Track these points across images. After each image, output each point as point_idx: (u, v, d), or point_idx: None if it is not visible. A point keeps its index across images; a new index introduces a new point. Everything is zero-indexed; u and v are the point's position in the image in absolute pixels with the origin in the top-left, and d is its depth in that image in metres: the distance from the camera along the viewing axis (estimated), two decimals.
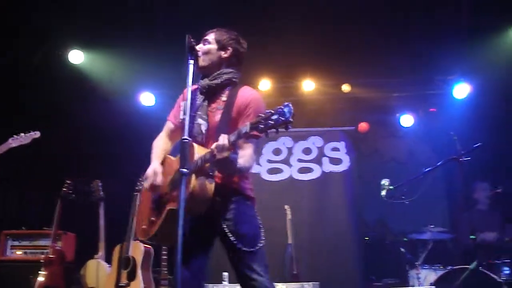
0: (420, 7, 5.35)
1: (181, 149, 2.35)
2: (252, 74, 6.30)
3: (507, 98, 6.16)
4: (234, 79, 2.86)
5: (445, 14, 5.46)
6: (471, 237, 5.08)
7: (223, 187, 2.68)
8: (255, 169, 6.45)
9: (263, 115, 2.28)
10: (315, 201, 6.45)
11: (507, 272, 4.93)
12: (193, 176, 2.48)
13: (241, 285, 2.70)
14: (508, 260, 4.99)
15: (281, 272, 5.54)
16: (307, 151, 6.73)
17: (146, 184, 2.76)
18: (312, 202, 6.43)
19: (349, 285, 6.06)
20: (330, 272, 6.02)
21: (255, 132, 2.34)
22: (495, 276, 4.55)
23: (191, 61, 2.58)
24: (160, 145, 2.89)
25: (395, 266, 5.68)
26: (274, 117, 2.24)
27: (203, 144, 2.68)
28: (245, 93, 2.78)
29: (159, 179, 2.70)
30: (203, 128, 2.74)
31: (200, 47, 2.81)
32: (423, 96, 6.88)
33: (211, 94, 2.82)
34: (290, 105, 2.24)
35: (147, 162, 2.84)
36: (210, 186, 2.57)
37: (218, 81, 2.81)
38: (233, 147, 2.46)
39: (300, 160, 6.68)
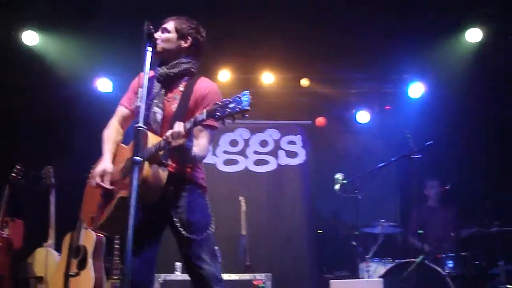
0: (380, 6, 5.43)
1: (135, 137, 2.32)
2: (211, 64, 6.26)
3: (459, 99, 6.35)
4: (192, 69, 2.84)
5: (404, 14, 5.56)
6: (419, 232, 5.26)
7: (176, 176, 2.67)
8: (211, 159, 6.43)
9: (220, 103, 2.28)
10: (270, 193, 6.49)
11: (451, 265, 5.12)
12: (146, 164, 2.45)
13: (189, 273, 2.72)
14: (453, 254, 5.18)
15: (234, 263, 5.56)
16: (263, 143, 6.75)
17: (92, 182, 2.69)
18: (267, 194, 6.48)
19: (301, 277, 6.16)
20: (283, 264, 6.09)
21: (211, 120, 2.34)
22: (439, 269, 4.73)
23: (149, 49, 2.55)
24: (112, 137, 2.82)
25: (347, 259, 5.79)
26: (231, 105, 2.23)
27: (157, 132, 2.66)
28: (203, 84, 2.78)
29: (106, 180, 2.63)
30: (159, 116, 2.71)
31: (159, 35, 2.77)
32: (379, 94, 7.02)
33: (168, 83, 2.79)
34: (248, 93, 2.24)
35: (100, 150, 2.79)
36: (163, 174, 2.55)
37: (176, 70, 2.79)
38: (189, 135, 2.45)
39: (256, 152, 6.71)
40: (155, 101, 2.74)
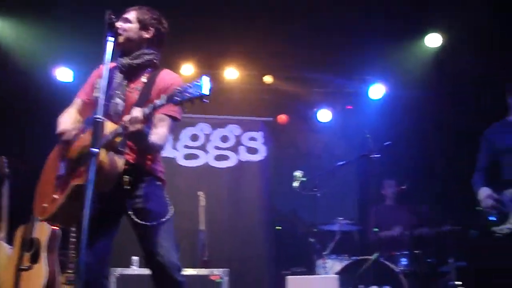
0: (345, 7, 5.49)
1: (94, 128, 2.28)
2: (174, 57, 6.19)
3: (418, 102, 6.51)
4: (155, 61, 2.82)
5: (367, 16, 5.65)
6: (375, 229, 5.38)
7: (134, 167, 2.65)
8: (171, 153, 6.38)
9: (180, 88, 2.27)
10: (229, 189, 6.48)
11: (404, 263, 5.25)
12: (103, 151, 2.42)
13: (148, 263, 2.67)
14: (406, 252, 5.32)
15: (192, 258, 5.54)
16: (224, 138, 6.73)
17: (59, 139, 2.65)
18: (227, 190, 6.46)
19: (258, 273, 6.19)
20: (240, 259, 6.10)
21: (170, 105, 2.32)
22: (393, 266, 4.85)
23: (110, 38, 2.51)
24: (68, 120, 2.75)
25: (304, 255, 5.85)
26: (191, 90, 2.22)
27: (117, 124, 2.62)
28: (166, 76, 2.76)
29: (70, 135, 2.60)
30: (120, 108, 2.68)
31: (120, 25, 2.73)
32: (341, 94, 7.10)
33: (130, 74, 2.76)
34: (208, 78, 2.24)
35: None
36: (120, 161, 2.53)
37: (139, 61, 2.76)
38: (147, 120, 2.42)
39: (217, 147, 6.68)
40: (117, 92, 2.70)
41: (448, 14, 5.55)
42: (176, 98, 2.26)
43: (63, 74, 6.30)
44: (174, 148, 6.52)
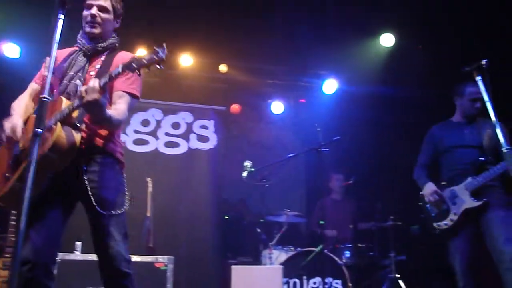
0: (303, 1, 5.53)
1: (39, 108, 2.21)
2: (130, 41, 6.05)
3: (369, 99, 6.66)
4: (116, 44, 2.86)
5: (325, 12, 5.70)
6: (320, 222, 5.48)
7: (91, 145, 2.60)
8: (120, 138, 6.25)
9: (136, 56, 2.32)
10: (178, 176, 6.41)
11: (348, 255, 5.40)
12: (59, 125, 2.38)
13: (96, 251, 2.62)
14: (350, 245, 5.47)
15: (137, 244, 5.46)
16: (176, 125, 6.65)
17: (2, 138, 2.59)
18: (175, 177, 6.39)
19: (204, 261, 6.17)
20: (186, 247, 6.07)
21: (127, 73, 2.34)
22: (336, 259, 4.96)
23: (61, 16, 2.42)
24: (22, 104, 2.72)
25: (251, 245, 5.91)
26: (148, 56, 2.28)
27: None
28: (124, 55, 2.76)
29: (18, 133, 2.52)
30: (79, 88, 2.62)
31: (98, 14, 2.74)
32: (295, 87, 7.16)
33: (94, 56, 2.76)
34: (164, 45, 2.30)
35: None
36: (76, 136, 2.49)
37: (104, 44, 2.78)
38: (103, 90, 2.39)
39: (167, 134, 6.59)
40: (78, 74, 2.68)
41: (401, 15, 5.68)
42: (133, 65, 2.29)
43: (10, 49, 6.04)
44: (124, 132, 6.37)
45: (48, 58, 2.74)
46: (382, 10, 5.62)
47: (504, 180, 3.63)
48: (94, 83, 2.34)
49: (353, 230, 5.76)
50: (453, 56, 5.56)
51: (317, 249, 4.87)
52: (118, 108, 2.60)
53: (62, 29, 2.41)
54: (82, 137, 2.53)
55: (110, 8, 2.79)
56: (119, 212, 2.60)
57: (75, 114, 2.47)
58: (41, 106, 2.21)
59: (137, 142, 6.44)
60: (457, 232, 3.67)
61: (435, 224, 3.77)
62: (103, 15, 2.76)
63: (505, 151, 2.70)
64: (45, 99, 2.22)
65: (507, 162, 2.73)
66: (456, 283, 3.71)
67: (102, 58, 2.75)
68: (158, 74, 6.66)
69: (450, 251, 3.75)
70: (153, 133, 6.54)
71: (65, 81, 2.63)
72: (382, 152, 6.64)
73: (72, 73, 2.66)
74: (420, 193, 3.99)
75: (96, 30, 2.73)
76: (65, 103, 2.47)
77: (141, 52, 6.27)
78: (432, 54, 5.98)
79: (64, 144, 2.42)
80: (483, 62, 2.83)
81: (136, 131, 6.49)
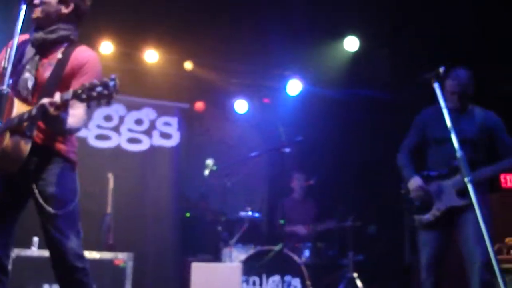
0: (269, 2, 5.57)
1: None
2: (94, 34, 5.96)
3: (331, 101, 6.76)
4: (72, 37, 2.71)
5: (290, 13, 5.76)
6: (281, 221, 5.54)
7: (43, 148, 2.55)
8: (82, 133, 6.12)
9: (87, 85, 2.21)
10: (139, 173, 6.36)
11: (307, 254, 5.48)
12: (8, 134, 2.31)
13: (48, 248, 2.59)
14: (309, 244, 5.55)
15: (96, 240, 5.39)
16: (139, 122, 6.57)
17: None
18: (137, 173, 6.34)
19: (164, 258, 6.16)
20: (146, 244, 6.05)
21: (76, 100, 2.26)
22: (296, 257, 5.03)
23: (23, 7, 2.39)
24: None
25: (211, 243, 5.91)
26: (98, 88, 2.18)
27: (28, 100, 2.51)
28: (82, 53, 2.66)
29: None
30: (30, 83, 2.55)
31: None
32: (259, 86, 7.20)
33: (44, 48, 2.64)
34: (116, 78, 2.19)
35: None
36: (25, 147, 2.42)
37: (54, 35, 2.64)
38: (65, 106, 2.33)
39: (130, 130, 6.51)
40: (27, 67, 2.57)
41: (365, 18, 5.79)
42: (83, 95, 2.20)
43: None
44: (86, 127, 6.25)
45: (8, 47, 2.70)
46: (347, 13, 5.72)
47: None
48: (56, 98, 2.27)
49: (313, 230, 5.84)
50: (416, 59, 5.72)
51: (276, 248, 4.93)
52: (76, 114, 2.50)
53: (24, 20, 2.38)
54: (33, 141, 2.47)
55: None
56: (70, 209, 2.57)
57: (25, 123, 2.39)
58: None
59: (99, 137, 6.35)
60: (433, 227, 3.63)
61: (416, 217, 3.69)
62: None
63: (459, 156, 2.75)
64: (3, 91, 2.18)
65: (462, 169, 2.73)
66: (412, 282, 3.76)
67: (59, 54, 2.62)
68: (122, 70, 6.59)
69: (419, 242, 3.71)
70: (116, 129, 6.45)
71: (14, 77, 2.52)
72: (344, 153, 6.75)
73: (21, 67, 2.56)
74: (401, 183, 3.84)
75: (35, 14, 2.60)
76: (16, 106, 2.39)
77: (106, 46, 6.21)
78: (396, 57, 6.13)
79: (11, 154, 2.37)
80: (441, 69, 2.89)
81: (98, 126, 6.39)
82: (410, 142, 3.94)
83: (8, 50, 2.37)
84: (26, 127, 2.40)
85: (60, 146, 2.62)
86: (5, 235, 2.57)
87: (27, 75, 2.56)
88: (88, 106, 2.27)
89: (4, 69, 2.26)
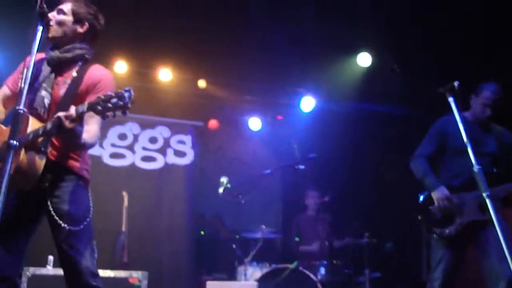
0: (282, 19, 5.60)
1: (14, 119, 2.18)
2: (108, 53, 6.04)
3: (346, 117, 6.75)
4: (86, 56, 2.74)
5: (303, 30, 5.79)
6: (296, 239, 5.49)
7: (56, 165, 2.56)
8: (97, 151, 6.18)
9: (103, 97, 2.24)
10: (154, 191, 6.38)
11: (323, 272, 5.41)
12: (23, 150, 2.33)
13: (62, 266, 2.59)
14: (325, 262, 5.48)
15: (111, 259, 5.40)
16: (153, 140, 6.62)
17: None
18: (151, 192, 6.36)
19: (178, 277, 6.14)
20: (161, 263, 6.04)
21: (91, 112, 2.28)
22: (312, 275, 4.97)
23: (40, 28, 2.42)
24: None
25: (226, 261, 5.87)
26: (113, 100, 2.21)
27: (44, 118, 2.53)
28: (96, 71, 2.69)
29: None
30: (46, 101, 2.58)
31: (53, 16, 2.65)
32: (273, 103, 7.22)
33: (59, 67, 2.67)
34: (131, 90, 2.23)
35: None
36: (40, 162, 2.43)
37: (69, 54, 2.68)
38: (80, 119, 2.36)
39: (144, 148, 6.55)
40: (44, 85, 2.60)
41: (378, 34, 5.80)
42: (98, 107, 2.23)
43: None
44: (101, 146, 6.32)
45: (27, 59, 2.74)
46: (359, 29, 5.73)
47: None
48: (72, 111, 2.29)
49: (329, 247, 5.78)
50: (428, 75, 5.69)
51: (292, 266, 4.88)
52: (90, 130, 2.54)
53: (40, 40, 2.41)
54: (47, 158, 2.48)
55: (68, 11, 2.70)
56: (84, 226, 2.57)
57: (40, 138, 2.41)
58: (16, 117, 2.17)
59: (114, 156, 6.40)
60: (452, 241, 3.52)
61: (436, 230, 3.55)
62: (57, 16, 2.67)
63: (476, 170, 2.71)
64: (20, 111, 2.20)
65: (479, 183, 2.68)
66: None
67: (74, 72, 2.66)
68: (137, 88, 6.64)
69: (435, 257, 3.58)
70: (130, 147, 6.50)
71: (30, 95, 2.54)
72: (358, 169, 6.71)
73: (37, 84, 2.59)
74: (420, 194, 3.72)
75: (51, 34, 2.63)
76: (31, 124, 2.41)
77: (120, 65, 6.28)
78: (409, 73, 6.10)
79: (26, 170, 2.38)
80: (456, 83, 2.87)
81: (113, 145, 6.45)
82: (427, 150, 3.79)
83: (25, 70, 2.39)
84: (41, 142, 2.42)
85: (74, 164, 2.64)
86: (17, 253, 2.55)
87: (43, 93, 2.59)
88: (103, 118, 2.29)
89: (21, 89, 2.28)
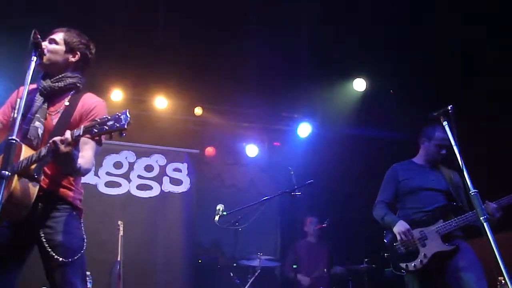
0: (278, 46, 5.65)
1: (5, 150, 2.16)
2: (104, 82, 6.08)
3: (342, 142, 6.75)
4: (78, 84, 2.74)
5: (299, 56, 5.85)
6: (294, 266, 5.43)
7: (49, 194, 2.53)
8: (92, 180, 6.14)
9: (98, 120, 2.23)
10: (150, 219, 6.30)
11: None
12: (15, 177, 2.30)
13: None
14: None
15: None
16: (149, 168, 6.58)
17: None
18: (147, 220, 6.28)
19: None
20: None
21: (88, 136, 2.28)
22: None
23: (34, 58, 2.43)
24: None
25: None
26: (110, 123, 2.20)
27: (36, 148, 2.51)
28: (89, 99, 2.69)
29: None
30: (40, 131, 2.56)
31: (45, 45, 2.65)
32: (269, 130, 7.24)
33: (52, 96, 2.67)
34: (127, 112, 2.23)
35: None
36: (33, 189, 2.41)
37: (61, 84, 2.68)
38: (76, 143, 2.34)
39: (140, 177, 6.51)
40: (37, 115, 2.59)
41: (373, 61, 5.85)
42: (94, 130, 2.23)
43: None
44: (96, 174, 6.29)
45: (16, 92, 2.72)
46: (354, 56, 5.79)
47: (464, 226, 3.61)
48: (67, 135, 2.28)
49: (328, 274, 5.71)
50: (423, 100, 5.73)
51: None
52: (85, 156, 2.53)
53: (34, 71, 2.41)
54: (40, 186, 2.46)
55: (60, 40, 2.71)
56: (77, 258, 2.53)
57: (33, 166, 2.39)
58: (8, 147, 2.16)
59: (109, 184, 6.35)
60: (422, 275, 3.60)
61: (402, 265, 3.64)
62: (50, 46, 2.68)
63: (473, 193, 2.72)
64: (12, 141, 2.18)
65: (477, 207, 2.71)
66: None
67: (66, 101, 2.65)
68: (133, 116, 6.65)
69: None
70: (126, 176, 6.46)
71: (24, 126, 2.53)
72: (355, 195, 6.67)
73: (30, 115, 2.57)
74: (385, 231, 3.86)
75: (45, 62, 2.61)
76: (24, 153, 2.39)
77: (116, 94, 6.30)
78: (403, 99, 6.14)
79: (19, 198, 2.35)
80: (449, 107, 2.89)
81: (108, 173, 6.40)
82: (385, 197, 3.98)
83: (18, 100, 2.39)
84: (34, 169, 2.40)
85: (67, 193, 2.61)
86: (8, 283, 2.50)
87: (37, 123, 2.58)
88: (99, 143, 2.32)
89: (14, 119, 2.27)
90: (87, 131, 2.25)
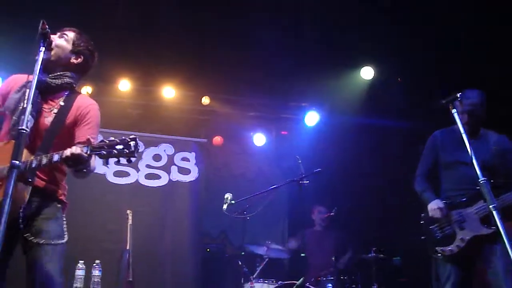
0: (284, 34, 5.63)
1: (16, 140, 2.18)
2: (112, 72, 6.09)
3: (350, 131, 6.73)
4: (74, 85, 2.79)
5: (307, 45, 5.82)
6: (302, 254, 5.44)
7: (41, 192, 2.60)
8: (101, 170, 6.17)
9: (107, 141, 2.27)
10: (158, 208, 6.32)
11: (330, 287, 5.34)
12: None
13: (28, 284, 2.53)
14: (332, 278, 5.41)
15: (116, 278, 5.36)
16: (157, 157, 6.59)
17: None
18: (155, 209, 6.30)
19: None
20: (166, 281, 5.98)
21: (94, 156, 2.36)
22: None
23: (42, 49, 2.43)
24: None
25: (232, 278, 5.83)
26: (119, 147, 2.26)
27: (26, 142, 2.53)
28: (84, 102, 2.74)
29: None
30: (29, 124, 2.56)
31: (54, 38, 2.67)
32: (277, 119, 7.23)
33: (46, 92, 2.69)
34: (137, 139, 2.30)
35: None
36: (25, 192, 2.47)
37: (58, 81, 2.71)
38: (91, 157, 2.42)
39: (148, 166, 6.52)
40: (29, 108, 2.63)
41: (381, 49, 5.81)
42: (102, 152, 2.29)
43: None
44: (105, 164, 6.32)
45: (9, 80, 2.77)
46: (362, 44, 5.75)
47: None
48: (77, 150, 2.34)
49: (335, 262, 5.72)
50: (431, 88, 5.69)
51: (298, 282, 4.83)
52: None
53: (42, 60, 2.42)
54: (32, 187, 2.51)
55: (69, 39, 2.75)
56: (56, 245, 2.57)
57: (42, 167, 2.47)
58: (19, 138, 2.18)
59: (118, 174, 6.37)
60: (457, 258, 3.45)
61: (438, 249, 3.50)
62: (58, 40, 2.72)
63: (482, 182, 2.66)
64: (22, 131, 2.20)
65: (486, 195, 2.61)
66: None
67: (61, 101, 2.69)
68: (140, 106, 6.68)
69: (444, 273, 3.52)
70: (134, 165, 6.47)
71: (14, 117, 2.56)
72: (363, 183, 6.67)
73: (23, 107, 2.56)
74: (422, 214, 3.67)
75: (46, 56, 2.60)
76: (22, 155, 2.39)
77: (124, 84, 6.31)
78: (411, 86, 6.11)
79: (12, 200, 2.38)
80: (458, 95, 2.86)
81: (116, 163, 6.42)
82: (424, 169, 3.81)
83: (27, 90, 2.40)
84: (28, 174, 2.45)
85: (56, 189, 2.69)
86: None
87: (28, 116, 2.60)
88: (107, 162, 2.38)
89: (24, 108, 2.28)
90: (95, 151, 2.31)
